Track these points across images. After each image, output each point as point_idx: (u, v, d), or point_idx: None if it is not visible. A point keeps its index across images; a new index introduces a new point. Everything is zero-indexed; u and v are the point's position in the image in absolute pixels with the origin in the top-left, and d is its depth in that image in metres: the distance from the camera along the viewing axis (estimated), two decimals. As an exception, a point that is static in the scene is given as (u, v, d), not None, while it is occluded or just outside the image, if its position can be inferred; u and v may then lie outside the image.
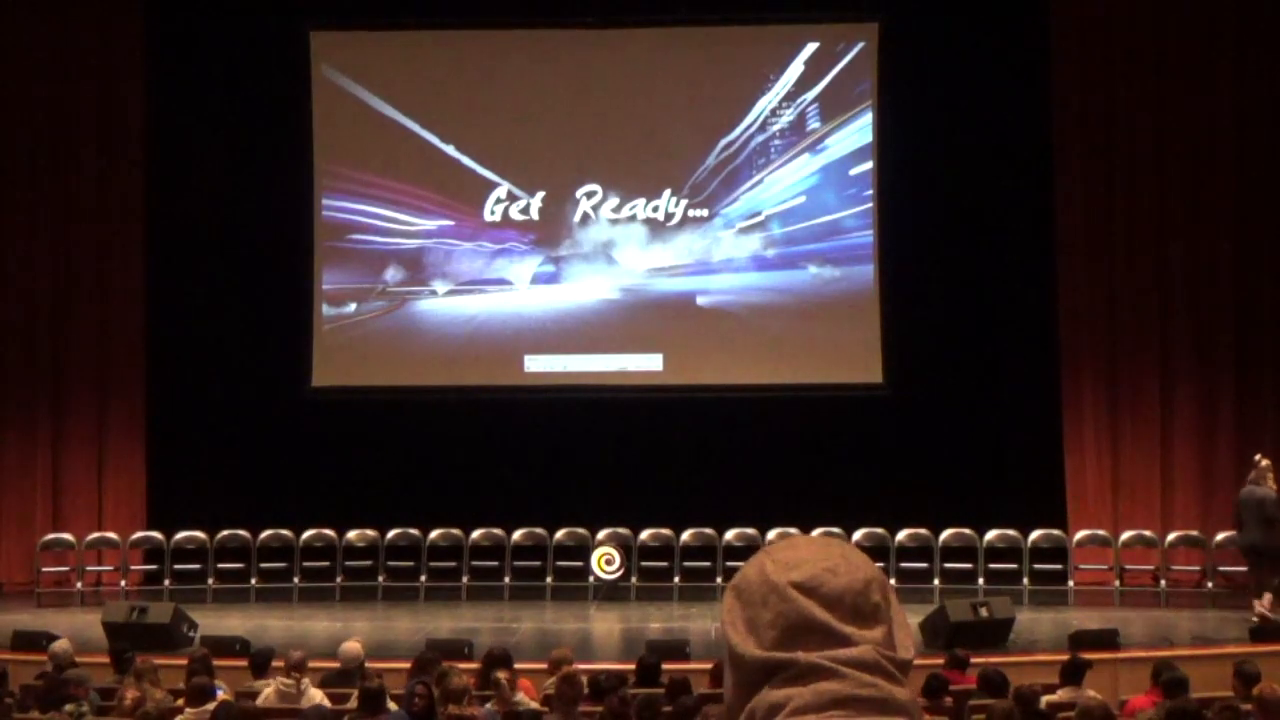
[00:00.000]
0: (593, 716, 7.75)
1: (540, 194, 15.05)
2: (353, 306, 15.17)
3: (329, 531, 14.24)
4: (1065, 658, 9.24)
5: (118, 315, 15.00)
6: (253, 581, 14.10)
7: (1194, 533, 13.89)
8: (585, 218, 15.05)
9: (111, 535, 14.48)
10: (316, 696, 8.60)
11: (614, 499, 14.33)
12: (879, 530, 13.91)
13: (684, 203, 14.98)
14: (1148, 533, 13.95)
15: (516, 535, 14.25)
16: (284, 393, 14.99)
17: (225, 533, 14.23)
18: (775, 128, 14.93)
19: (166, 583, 14.04)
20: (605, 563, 14.10)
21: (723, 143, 14.94)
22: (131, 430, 14.97)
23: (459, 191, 15.11)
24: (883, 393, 14.75)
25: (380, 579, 14.16)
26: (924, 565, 13.79)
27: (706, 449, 14.71)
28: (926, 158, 14.71)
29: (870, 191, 14.86)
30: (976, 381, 14.61)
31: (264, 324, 15.03)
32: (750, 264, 15.03)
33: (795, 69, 14.92)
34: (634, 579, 14.08)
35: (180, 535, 14.24)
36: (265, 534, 14.23)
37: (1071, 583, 13.81)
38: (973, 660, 9.69)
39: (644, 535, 14.18)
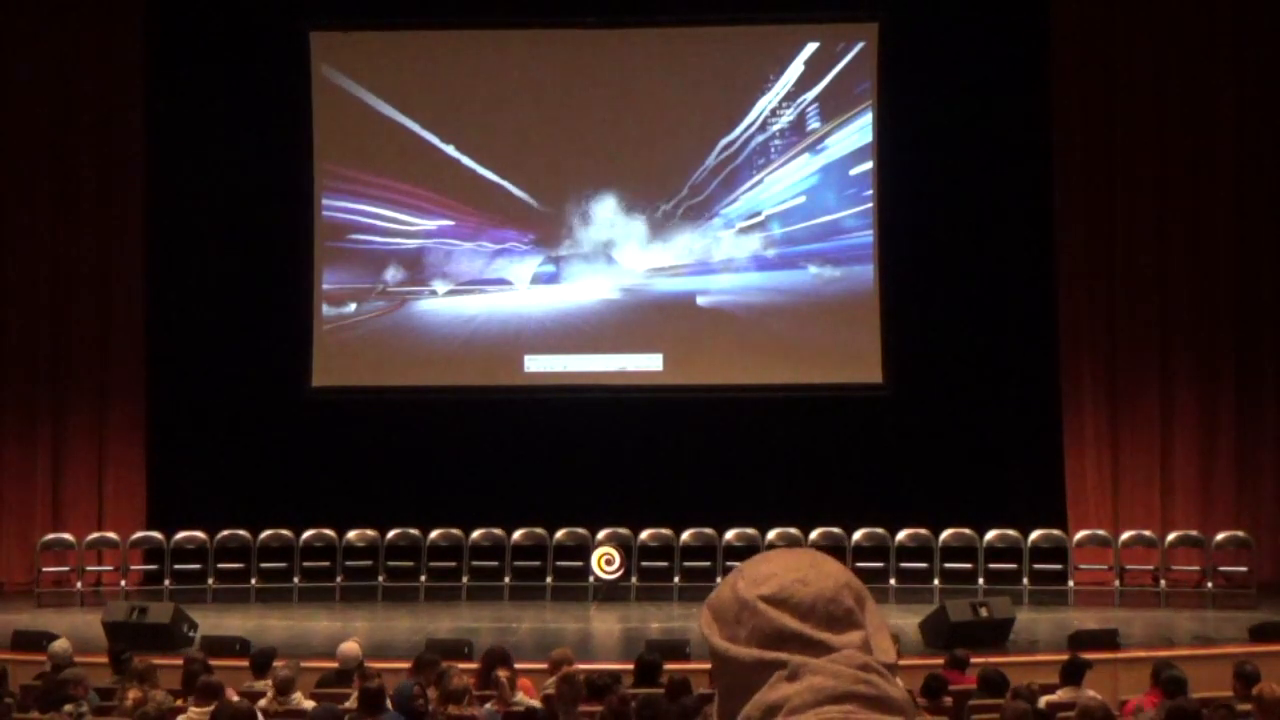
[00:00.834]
0: (593, 716, 7.75)
1: (540, 194, 15.05)
2: (353, 306, 15.17)
3: (329, 531, 14.23)
4: (1065, 658, 9.24)
5: (118, 315, 15.00)
6: (253, 581, 14.10)
7: (1194, 533, 13.88)
8: (585, 217, 15.05)
9: (111, 535, 14.47)
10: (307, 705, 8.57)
11: (614, 499, 14.32)
12: (879, 530, 13.90)
13: (684, 203, 14.97)
14: (1148, 533, 13.94)
15: (516, 535, 14.24)
16: (284, 393, 14.99)
17: (225, 533, 14.22)
18: (775, 128, 14.93)
19: (166, 583, 14.03)
20: (605, 563, 14.10)
21: (723, 143, 14.94)
22: (131, 430, 14.97)
23: (459, 191, 15.11)
24: (883, 393, 14.75)
25: (380, 579, 14.15)
26: (924, 565, 13.79)
27: (706, 449, 14.71)
28: (926, 158, 14.71)
29: (870, 191, 14.86)
30: (976, 381, 14.61)
31: (264, 324, 15.03)
32: (750, 264, 15.03)
33: (795, 69, 14.92)
34: (634, 579, 14.08)
35: (180, 535, 14.23)
36: (265, 534, 14.22)
37: (1071, 583, 13.80)
38: (973, 660, 9.69)
39: (644, 535, 14.18)
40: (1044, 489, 14.28)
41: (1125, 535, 13.92)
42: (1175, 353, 14.37)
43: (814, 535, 13.86)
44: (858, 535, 13.87)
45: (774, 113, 14.92)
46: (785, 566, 1.41)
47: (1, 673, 9.13)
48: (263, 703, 8.58)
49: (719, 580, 12.99)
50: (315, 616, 13.35)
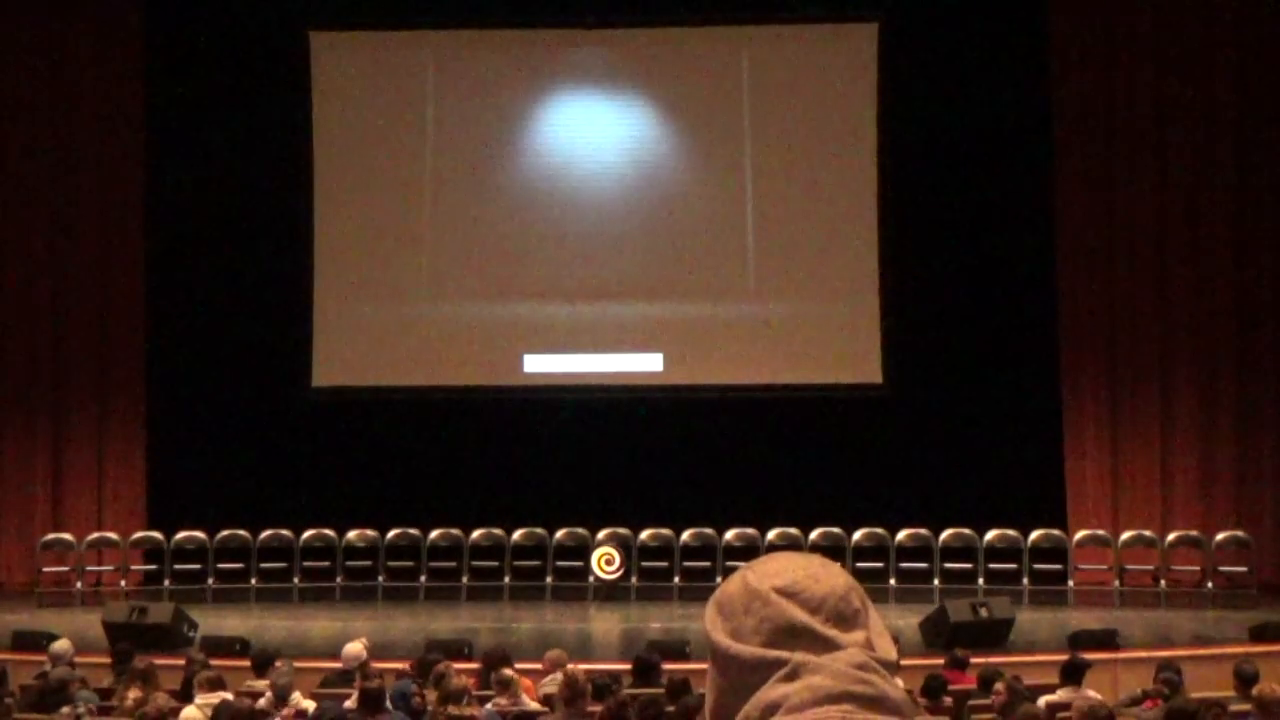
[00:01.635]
0: (592, 717, 7.75)
1: (540, 193, 15.02)
2: (353, 306, 15.15)
3: (329, 531, 14.23)
4: (1065, 658, 9.24)
5: (118, 315, 15.00)
6: (253, 581, 14.10)
7: (1194, 533, 13.88)
8: (585, 217, 15.02)
9: (111, 535, 14.47)
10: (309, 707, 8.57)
11: (614, 499, 14.33)
12: (879, 530, 13.90)
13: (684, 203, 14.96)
14: (1148, 533, 13.94)
15: (516, 535, 14.24)
16: (284, 393, 14.99)
17: (225, 533, 14.22)
18: (775, 127, 14.91)
19: (167, 583, 14.03)
20: (605, 563, 14.09)
21: (722, 142, 14.94)
22: (131, 430, 14.98)
23: (459, 191, 15.09)
24: (883, 393, 14.75)
25: (380, 579, 14.15)
26: (924, 565, 13.79)
27: (706, 449, 14.70)
28: (926, 157, 14.71)
29: (870, 191, 14.84)
30: (976, 381, 14.60)
31: (264, 324, 15.02)
32: (750, 263, 15.00)
33: (795, 69, 14.91)
34: (634, 579, 14.08)
35: (180, 535, 14.23)
36: (265, 534, 14.22)
37: (1071, 583, 13.80)
38: (973, 660, 9.70)
39: (644, 535, 14.17)
40: (1044, 489, 14.28)
41: (1125, 535, 13.92)
42: (1175, 353, 14.37)
43: (814, 535, 13.87)
44: (857, 535, 13.87)
45: (774, 112, 14.90)
46: (795, 564, 1.44)
47: (1, 673, 9.14)
48: (262, 703, 8.59)
49: (719, 580, 12.97)
50: (315, 616, 13.35)
